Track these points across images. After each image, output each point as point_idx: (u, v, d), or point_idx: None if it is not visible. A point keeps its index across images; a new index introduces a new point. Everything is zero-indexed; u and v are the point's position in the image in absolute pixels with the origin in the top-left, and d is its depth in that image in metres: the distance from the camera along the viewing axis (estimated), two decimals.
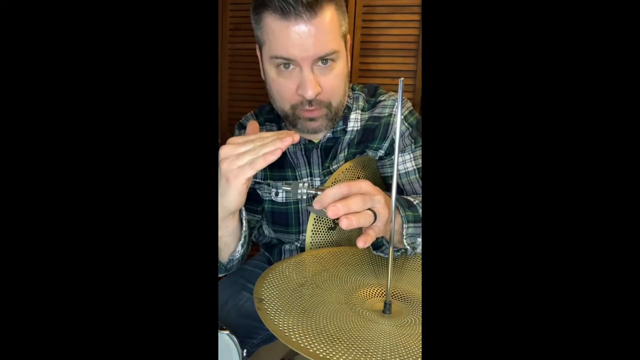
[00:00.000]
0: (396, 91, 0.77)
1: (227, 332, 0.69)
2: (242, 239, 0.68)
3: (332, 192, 0.50)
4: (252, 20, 0.69)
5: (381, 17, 1.27)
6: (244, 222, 0.68)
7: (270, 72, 0.70)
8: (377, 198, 0.52)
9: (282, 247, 0.85)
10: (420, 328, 0.51)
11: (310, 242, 0.74)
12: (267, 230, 0.86)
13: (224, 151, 0.56)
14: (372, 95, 0.81)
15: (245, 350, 0.68)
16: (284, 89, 0.69)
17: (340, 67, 0.70)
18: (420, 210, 0.65)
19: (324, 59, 0.67)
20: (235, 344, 0.69)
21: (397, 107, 0.51)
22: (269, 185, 0.80)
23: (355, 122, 0.79)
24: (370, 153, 0.79)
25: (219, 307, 0.82)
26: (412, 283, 0.63)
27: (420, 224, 0.63)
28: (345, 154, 0.78)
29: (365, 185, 0.53)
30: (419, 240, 0.65)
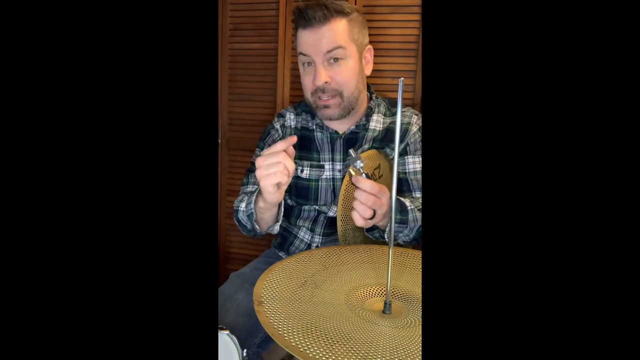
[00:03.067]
0: (396, 91, 0.92)
1: (227, 332, 0.69)
2: (280, 220, 0.90)
3: (364, 193, 0.70)
4: (294, 39, 0.93)
5: (381, 17, 1.27)
6: (282, 209, 0.88)
7: (300, 69, 0.93)
8: (384, 205, 0.72)
9: (302, 208, 1.00)
10: (421, 329, 0.51)
11: (342, 212, 0.86)
12: (289, 201, 1.03)
13: (258, 162, 0.73)
14: (394, 106, 1.00)
15: (245, 350, 0.68)
16: (306, 81, 0.92)
17: (350, 65, 0.88)
18: (410, 215, 0.82)
19: (332, 56, 0.86)
20: (235, 344, 0.69)
21: (398, 109, 0.55)
22: (296, 163, 0.95)
23: (377, 122, 0.97)
24: (387, 150, 0.94)
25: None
26: (412, 282, 0.63)
27: (405, 225, 0.82)
28: (369, 146, 0.95)
29: (386, 194, 0.72)
30: (400, 235, 0.84)
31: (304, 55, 0.89)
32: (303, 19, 0.86)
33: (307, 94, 0.93)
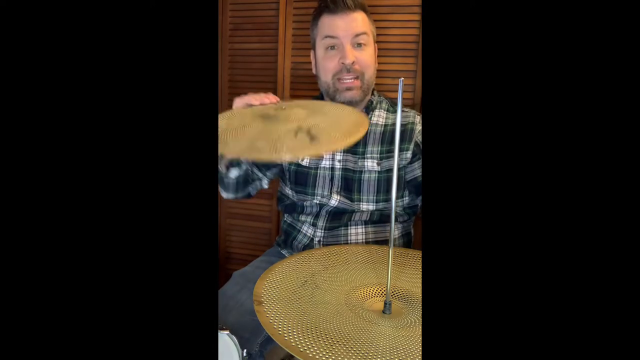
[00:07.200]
0: (396, 91, 0.97)
1: (227, 332, 0.69)
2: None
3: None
4: (311, 26, 1.02)
5: (381, 17, 1.27)
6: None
7: (320, 53, 1.00)
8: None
9: (304, 203, 1.03)
10: (421, 329, 0.51)
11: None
12: (288, 191, 1.06)
13: (236, 100, 0.81)
14: (396, 105, 1.03)
15: (245, 350, 0.68)
16: (329, 61, 0.97)
17: (370, 51, 0.98)
18: None
19: (358, 40, 0.95)
20: (235, 344, 0.69)
21: (398, 109, 0.55)
22: None
23: (379, 117, 1.01)
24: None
25: (220, 309, 0.87)
26: (412, 282, 0.63)
27: None
28: (373, 140, 0.99)
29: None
30: None
31: (332, 37, 0.96)
32: (334, 4, 0.96)
33: (328, 76, 0.98)
